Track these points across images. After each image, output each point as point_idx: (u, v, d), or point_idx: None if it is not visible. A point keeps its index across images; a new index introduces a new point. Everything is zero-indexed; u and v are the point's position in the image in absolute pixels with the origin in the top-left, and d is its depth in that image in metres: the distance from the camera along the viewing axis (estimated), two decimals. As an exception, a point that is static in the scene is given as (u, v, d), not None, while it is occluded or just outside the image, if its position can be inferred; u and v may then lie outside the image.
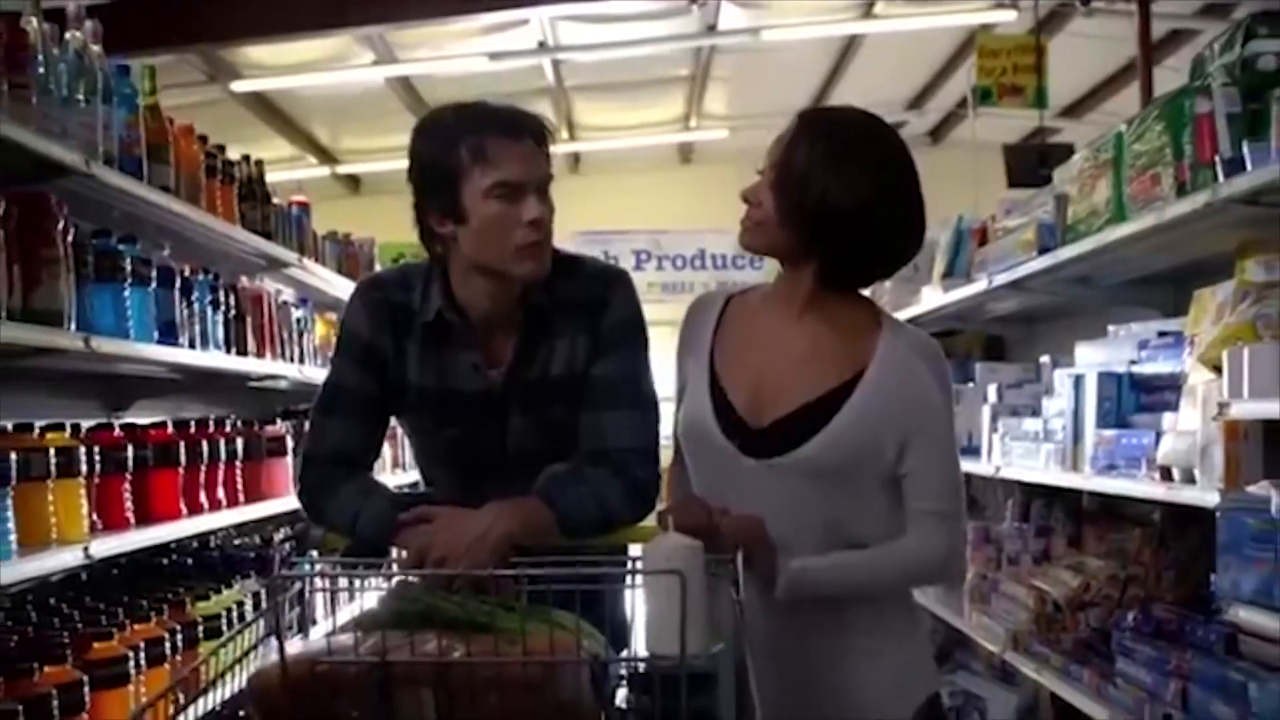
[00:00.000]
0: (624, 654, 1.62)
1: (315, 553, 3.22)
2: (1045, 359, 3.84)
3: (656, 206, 10.44)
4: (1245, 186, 2.26)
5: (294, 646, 1.53)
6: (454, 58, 8.08)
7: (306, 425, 2.09)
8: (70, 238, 2.34)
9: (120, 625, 2.49)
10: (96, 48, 2.49)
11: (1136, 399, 2.90)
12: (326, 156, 9.71)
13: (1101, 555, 3.44)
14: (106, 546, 2.41)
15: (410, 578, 1.72)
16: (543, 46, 8.04)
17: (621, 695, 1.51)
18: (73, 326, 2.32)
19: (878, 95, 9.71)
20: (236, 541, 3.68)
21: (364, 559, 1.75)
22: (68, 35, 2.39)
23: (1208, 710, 2.42)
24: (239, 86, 8.04)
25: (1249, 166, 2.27)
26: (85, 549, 2.33)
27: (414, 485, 2.78)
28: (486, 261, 1.89)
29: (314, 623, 1.69)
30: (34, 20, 2.27)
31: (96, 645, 2.38)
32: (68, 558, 2.32)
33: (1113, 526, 3.47)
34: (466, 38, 7.89)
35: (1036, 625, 3.35)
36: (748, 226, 1.91)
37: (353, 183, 10.39)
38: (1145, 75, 6.86)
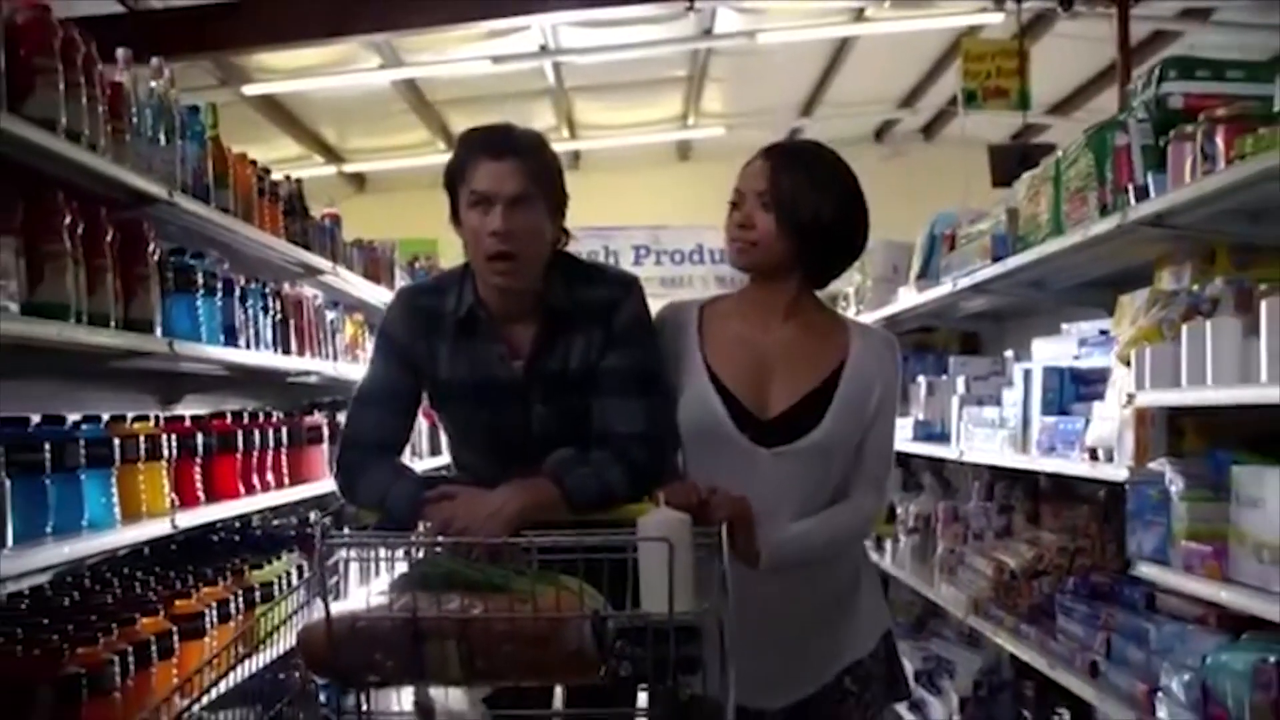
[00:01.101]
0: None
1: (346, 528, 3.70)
2: (1009, 354, 4.33)
3: (655, 202, 10.92)
4: (1150, 210, 2.75)
5: (335, 606, 1.78)
6: (458, 61, 8.55)
7: (344, 415, 2.47)
8: (156, 256, 2.83)
9: (195, 588, 2.99)
10: (173, 91, 2.98)
11: (1075, 390, 3.39)
12: (332, 155, 10.18)
13: (1055, 530, 3.93)
14: (188, 519, 2.91)
15: (435, 547, 1.99)
16: (544, 50, 8.51)
17: (618, 647, 1.74)
18: (159, 332, 2.82)
19: (871, 94, 10.21)
20: (276, 522, 4.17)
21: (394, 532, 2.05)
22: (152, 84, 2.88)
23: (1125, 655, 2.92)
24: (249, 90, 8.52)
25: (1153, 194, 2.76)
26: (172, 520, 2.83)
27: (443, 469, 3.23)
28: (474, 266, 2.21)
29: (344, 594, 1.95)
30: (128, 73, 2.76)
31: (179, 603, 2.87)
32: (157, 528, 2.81)
33: (1066, 504, 3.96)
34: (470, 42, 8.35)
35: (995, 592, 3.84)
36: (743, 248, 2.27)
37: (358, 181, 10.87)
38: (1124, 77, 7.32)
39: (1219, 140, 2.50)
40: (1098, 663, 3.04)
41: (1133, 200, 2.85)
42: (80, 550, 2.51)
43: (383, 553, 1.98)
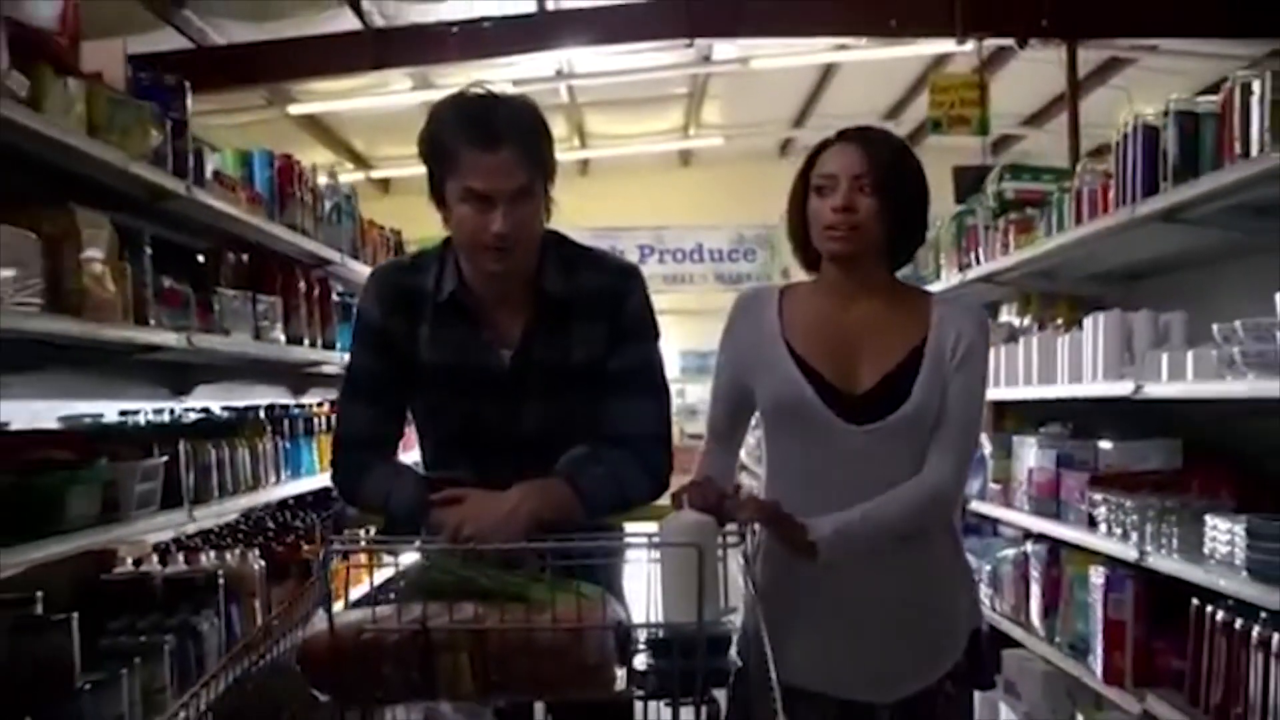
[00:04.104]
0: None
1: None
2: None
3: (659, 205, 12.83)
4: (980, 272, 4.67)
5: (339, 615, 1.74)
6: (483, 85, 10.41)
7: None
8: (333, 298, 4.75)
9: (350, 519, 4.90)
10: (334, 182, 4.89)
11: (954, 387, 5.31)
12: (361, 162, 12.08)
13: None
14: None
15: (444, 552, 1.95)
16: (559, 74, 10.39)
17: (640, 660, 1.76)
18: (336, 350, 4.73)
19: (857, 108, 12.03)
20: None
21: (401, 537, 2.07)
22: (329, 181, 4.79)
23: (973, 565, 4.84)
24: (294, 109, 10.40)
25: (982, 262, 4.68)
26: (344, 471, 4.74)
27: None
28: (462, 252, 2.19)
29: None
30: (319, 178, 4.68)
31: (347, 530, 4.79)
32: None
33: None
34: (493, 68, 10.22)
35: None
36: (842, 234, 2.29)
37: (384, 185, 12.77)
38: (1072, 108, 9.13)
39: (1010, 234, 4.42)
40: (957, 571, 4.97)
41: (973, 264, 4.78)
42: (303, 487, 4.42)
43: (379, 557, 2.00)
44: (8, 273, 2.48)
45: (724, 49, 10.16)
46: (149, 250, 3.16)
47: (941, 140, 10.08)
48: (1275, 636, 2.79)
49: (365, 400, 2.29)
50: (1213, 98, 3.09)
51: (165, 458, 3.17)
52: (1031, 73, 10.45)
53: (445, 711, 1.85)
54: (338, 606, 1.77)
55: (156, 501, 3.13)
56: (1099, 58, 10.32)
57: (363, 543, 2.06)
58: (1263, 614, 2.86)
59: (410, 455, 2.49)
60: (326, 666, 1.72)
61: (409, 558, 1.99)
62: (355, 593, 1.96)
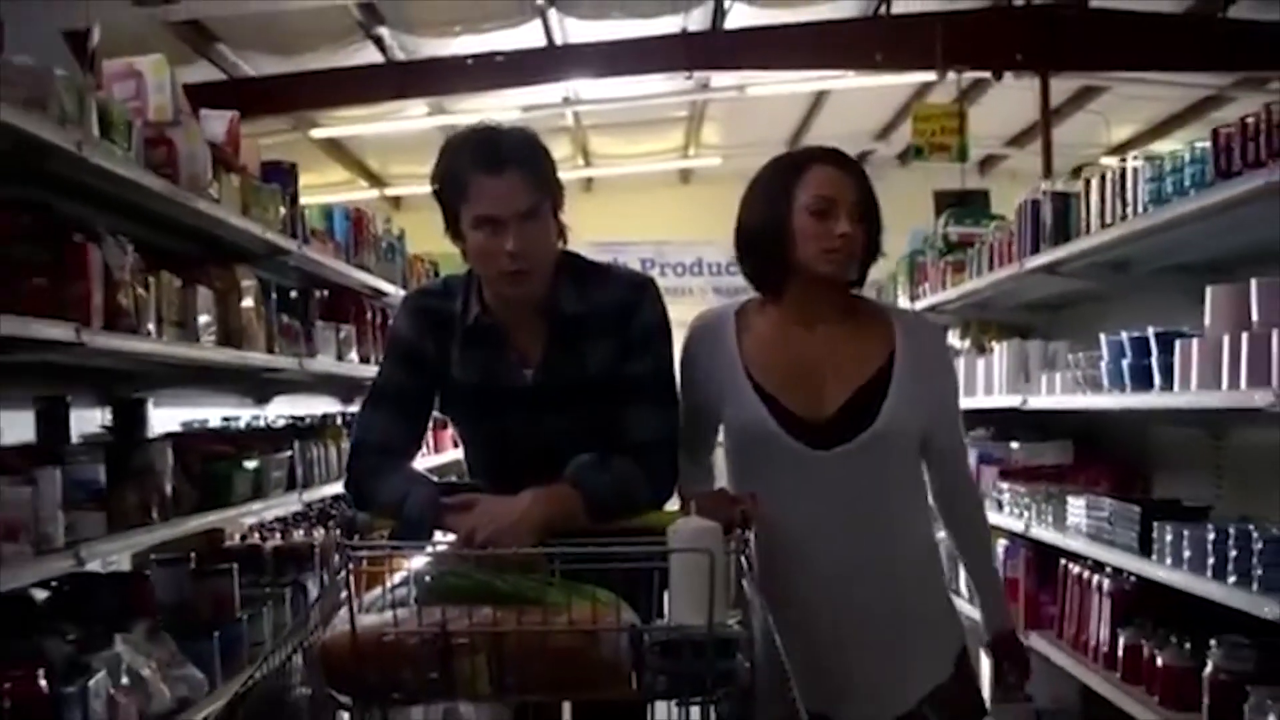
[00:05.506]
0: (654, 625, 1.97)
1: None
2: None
3: (660, 221, 14.10)
4: (928, 304, 5.94)
5: (360, 617, 1.90)
6: (493, 110, 11.67)
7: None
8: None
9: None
10: (390, 225, 6.16)
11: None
12: (375, 180, 13.36)
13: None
14: (429, 462, 6.10)
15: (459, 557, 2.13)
16: (566, 101, 11.65)
17: (651, 661, 1.90)
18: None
19: (849, 129, 13.29)
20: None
21: (416, 542, 2.23)
22: (387, 225, 6.06)
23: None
24: (316, 133, 11.66)
25: (928, 295, 5.96)
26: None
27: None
28: (483, 278, 2.42)
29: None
30: (376, 222, 5.94)
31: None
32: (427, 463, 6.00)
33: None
34: (505, 94, 11.47)
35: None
36: (840, 259, 2.47)
37: (395, 201, 14.03)
38: (1046, 135, 10.38)
39: (949, 273, 5.69)
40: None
41: (922, 295, 6.06)
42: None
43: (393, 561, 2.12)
44: (203, 319, 3.74)
45: (721, 78, 11.41)
46: (274, 295, 4.42)
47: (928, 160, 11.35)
48: (1106, 582, 4.05)
49: (387, 410, 2.49)
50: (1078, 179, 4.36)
51: (290, 452, 4.43)
52: (1016, 97, 11.66)
53: (465, 711, 2.03)
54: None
55: (284, 486, 4.39)
56: (1074, 86, 11.53)
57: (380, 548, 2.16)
58: (1107, 569, 4.11)
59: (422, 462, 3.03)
60: (347, 668, 1.87)
61: (420, 561, 2.17)
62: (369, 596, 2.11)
